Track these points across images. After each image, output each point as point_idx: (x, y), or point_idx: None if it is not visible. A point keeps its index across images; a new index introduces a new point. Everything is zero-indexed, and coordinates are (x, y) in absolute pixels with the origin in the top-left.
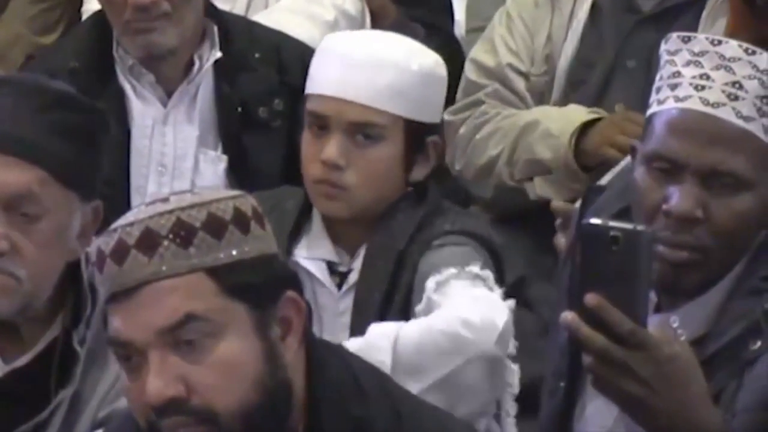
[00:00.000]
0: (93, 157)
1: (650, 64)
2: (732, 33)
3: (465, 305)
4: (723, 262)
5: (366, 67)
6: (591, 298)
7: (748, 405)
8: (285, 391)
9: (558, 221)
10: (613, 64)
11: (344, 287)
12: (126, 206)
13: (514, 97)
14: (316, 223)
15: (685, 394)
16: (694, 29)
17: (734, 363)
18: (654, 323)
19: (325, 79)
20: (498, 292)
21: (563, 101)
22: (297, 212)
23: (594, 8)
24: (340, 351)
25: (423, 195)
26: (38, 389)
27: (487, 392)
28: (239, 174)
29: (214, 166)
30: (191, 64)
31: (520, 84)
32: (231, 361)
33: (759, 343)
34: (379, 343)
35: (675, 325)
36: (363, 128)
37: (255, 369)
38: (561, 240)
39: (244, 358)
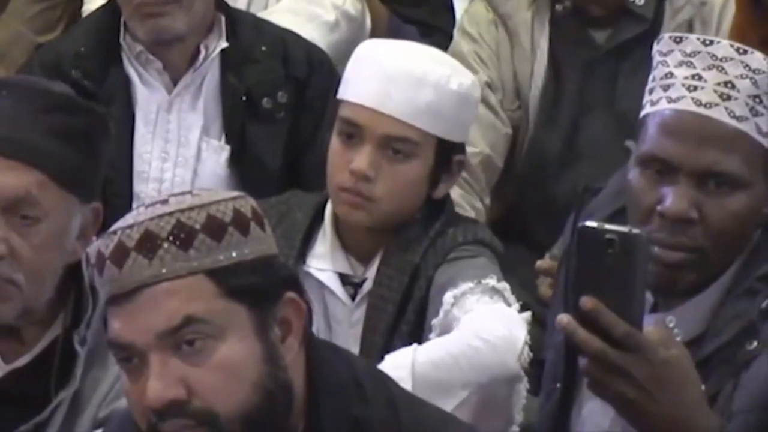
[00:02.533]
0: (92, 159)
1: (613, 98)
2: (738, 32)
3: (485, 323)
4: (719, 262)
5: (407, 82)
6: (586, 301)
7: (745, 406)
8: (285, 392)
9: (545, 279)
10: (577, 100)
11: (358, 297)
12: (128, 191)
13: (491, 115)
14: (329, 234)
15: (680, 396)
16: (648, 65)
17: (730, 364)
18: (650, 323)
19: (363, 88)
20: (515, 306)
21: (536, 136)
22: (307, 223)
23: (551, 41)
24: (341, 351)
25: (439, 208)
26: (38, 389)
27: (510, 409)
28: (241, 164)
29: (216, 155)
30: (198, 53)
31: (494, 99)
32: (231, 363)
33: (755, 344)
34: (398, 363)
35: (671, 325)
36: (396, 143)
37: (255, 371)
38: (547, 291)
39: (244, 359)
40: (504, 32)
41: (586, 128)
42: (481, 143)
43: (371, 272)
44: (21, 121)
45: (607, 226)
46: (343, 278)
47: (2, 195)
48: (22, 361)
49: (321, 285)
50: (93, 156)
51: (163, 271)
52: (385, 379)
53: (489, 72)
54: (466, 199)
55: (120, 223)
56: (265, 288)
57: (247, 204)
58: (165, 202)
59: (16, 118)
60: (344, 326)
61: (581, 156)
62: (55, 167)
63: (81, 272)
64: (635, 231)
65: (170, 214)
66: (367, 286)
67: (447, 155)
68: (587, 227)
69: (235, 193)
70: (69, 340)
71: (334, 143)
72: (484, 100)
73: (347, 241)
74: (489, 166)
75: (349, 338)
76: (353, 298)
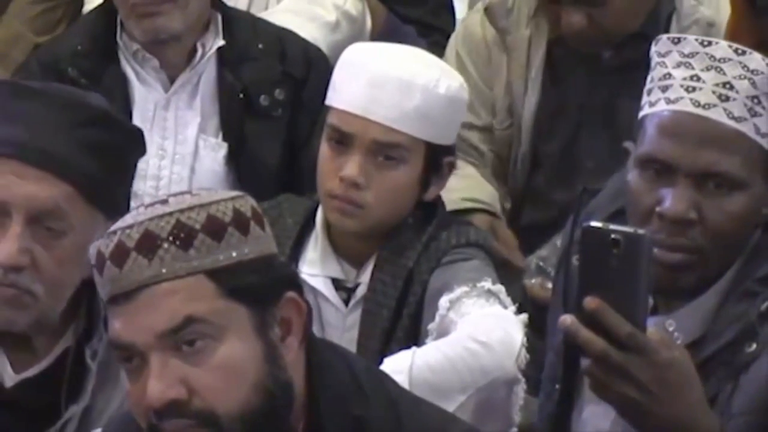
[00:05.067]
0: (122, 176)
1: (614, 115)
2: (733, 33)
3: (482, 326)
4: (718, 263)
5: (395, 88)
6: (590, 302)
7: (744, 408)
8: (285, 392)
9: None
10: (578, 115)
11: (352, 302)
12: None
13: (473, 151)
14: (321, 240)
15: (682, 398)
16: None
17: (730, 366)
18: (650, 327)
19: (351, 95)
20: (511, 308)
21: (531, 151)
22: (298, 229)
23: (550, 56)
24: (341, 351)
25: (431, 211)
26: (49, 401)
27: (509, 411)
28: (239, 161)
29: (214, 153)
30: (194, 51)
31: (474, 138)
32: (232, 363)
33: (754, 346)
34: (396, 367)
35: (671, 328)
36: (386, 149)
37: (256, 370)
38: (540, 292)
39: (244, 359)
40: (500, 49)
41: (585, 142)
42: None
43: (364, 277)
44: (55, 133)
45: (612, 227)
46: (336, 283)
47: (30, 205)
48: (32, 372)
49: (313, 290)
50: (123, 172)
51: (163, 271)
52: (385, 379)
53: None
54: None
55: (120, 223)
56: (265, 287)
57: (247, 204)
58: (165, 202)
59: (51, 129)
60: (338, 331)
61: (579, 171)
62: (85, 182)
63: (94, 284)
64: (640, 231)
65: (170, 214)
66: (361, 290)
67: (437, 158)
68: (592, 227)
69: (235, 193)
70: (80, 352)
71: (324, 149)
72: (466, 141)
73: (339, 245)
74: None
75: (342, 343)
76: (346, 303)
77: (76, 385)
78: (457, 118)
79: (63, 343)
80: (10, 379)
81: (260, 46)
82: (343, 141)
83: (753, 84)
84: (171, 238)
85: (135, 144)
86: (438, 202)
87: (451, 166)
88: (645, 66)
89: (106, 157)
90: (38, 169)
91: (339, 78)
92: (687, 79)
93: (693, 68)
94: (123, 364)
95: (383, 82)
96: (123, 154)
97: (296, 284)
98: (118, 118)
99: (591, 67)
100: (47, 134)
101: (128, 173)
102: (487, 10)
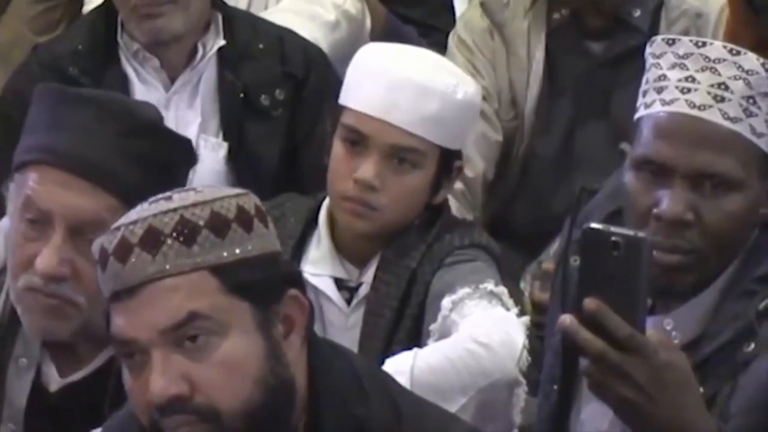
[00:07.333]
0: (168, 189)
1: (609, 108)
2: (732, 33)
3: (483, 328)
4: (716, 263)
5: (414, 92)
6: (590, 303)
7: (743, 407)
8: (287, 389)
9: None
10: (573, 110)
11: (354, 301)
12: None
13: (483, 123)
14: (324, 239)
15: (680, 400)
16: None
17: (728, 365)
18: (648, 326)
19: (369, 96)
20: (513, 309)
21: (531, 144)
22: (300, 228)
23: (548, 51)
24: (342, 350)
25: (436, 213)
26: (93, 406)
27: (509, 413)
28: (239, 161)
29: (214, 153)
30: (195, 51)
31: (488, 108)
32: (234, 360)
33: (752, 345)
34: (397, 368)
35: (669, 327)
36: (402, 152)
37: (258, 367)
38: (540, 295)
39: (247, 356)
40: (500, 41)
41: (582, 138)
42: (477, 157)
43: (367, 276)
44: (102, 142)
45: (613, 229)
46: (338, 283)
47: (73, 216)
48: (77, 376)
49: (316, 290)
50: (170, 185)
51: (167, 267)
52: (386, 379)
53: (483, 82)
54: (462, 213)
55: (123, 219)
56: (268, 284)
57: (251, 201)
58: (169, 198)
59: (98, 138)
60: (340, 331)
61: (576, 165)
62: (130, 194)
63: None
64: (640, 234)
65: (174, 210)
66: (363, 290)
67: (449, 162)
68: (593, 229)
69: (239, 190)
70: None
71: (338, 149)
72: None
73: (342, 245)
74: (485, 182)
75: (345, 343)
76: (349, 302)
77: (121, 391)
78: (471, 123)
79: (108, 350)
80: (56, 383)
81: (260, 46)
82: (359, 142)
83: (748, 84)
84: (174, 234)
85: (184, 155)
86: (443, 203)
87: (460, 170)
88: (639, 59)
89: (153, 168)
90: (82, 179)
91: (355, 78)
92: (682, 81)
93: (688, 69)
94: (125, 360)
95: (402, 86)
96: (170, 165)
97: (299, 282)
98: (166, 128)
99: (584, 61)
100: (93, 144)
101: (176, 186)
102: (483, 5)
